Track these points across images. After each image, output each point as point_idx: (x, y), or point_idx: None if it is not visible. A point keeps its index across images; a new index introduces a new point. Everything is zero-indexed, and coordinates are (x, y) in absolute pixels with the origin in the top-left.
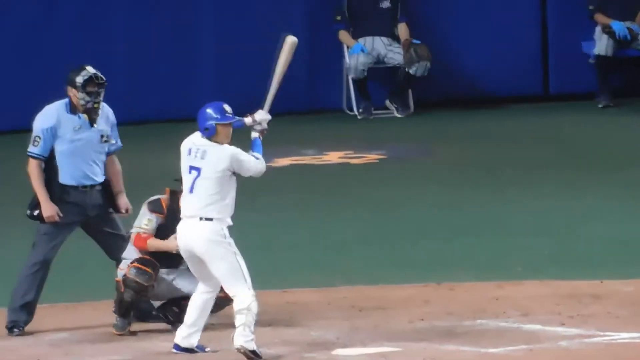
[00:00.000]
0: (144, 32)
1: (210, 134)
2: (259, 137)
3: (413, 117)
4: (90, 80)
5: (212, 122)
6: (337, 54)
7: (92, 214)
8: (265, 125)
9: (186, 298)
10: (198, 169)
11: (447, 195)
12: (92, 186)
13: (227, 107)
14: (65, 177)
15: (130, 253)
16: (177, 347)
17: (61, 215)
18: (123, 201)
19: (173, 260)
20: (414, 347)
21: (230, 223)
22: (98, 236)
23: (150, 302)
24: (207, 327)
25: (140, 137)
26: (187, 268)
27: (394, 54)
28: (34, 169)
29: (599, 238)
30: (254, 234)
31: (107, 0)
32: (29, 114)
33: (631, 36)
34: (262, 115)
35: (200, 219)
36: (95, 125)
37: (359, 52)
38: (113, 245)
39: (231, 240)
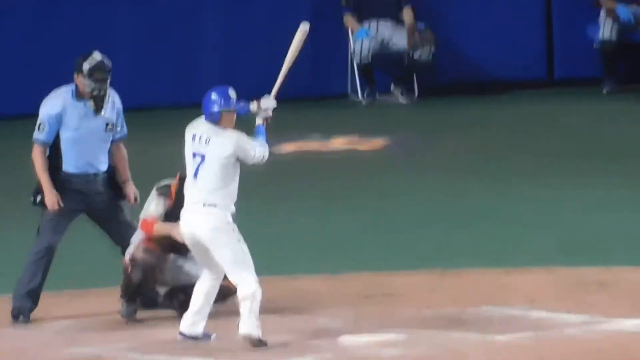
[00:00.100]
0: (148, 16)
1: (215, 119)
2: (263, 124)
3: (417, 103)
4: (96, 67)
5: (217, 108)
6: (341, 40)
7: (97, 202)
8: (269, 113)
9: (194, 285)
10: (202, 155)
11: (452, 183)
12: (95, 174)
13: (232, 93)
14: (69, 165)
15: (138, 238)
16: (183, 334)
17: (61, 204)
18: (131, 189)
19: (182, 247)
20: (420, 335)
21: (234, 210)
22: (104, 224)
23: (156, 291)
24: (212, 315)
25: (146, 124)
26: None
27: (399, 39)
28: (38, 155)
29: (605, 227)
30: (260, 221)
31: None
32: (37, 98)
33: (635, 21)
34: (267, 102)
35: (204, 205)
36: (102, 112)
37: (364, 36)
38: (119, 233)
39: (235, 227)
